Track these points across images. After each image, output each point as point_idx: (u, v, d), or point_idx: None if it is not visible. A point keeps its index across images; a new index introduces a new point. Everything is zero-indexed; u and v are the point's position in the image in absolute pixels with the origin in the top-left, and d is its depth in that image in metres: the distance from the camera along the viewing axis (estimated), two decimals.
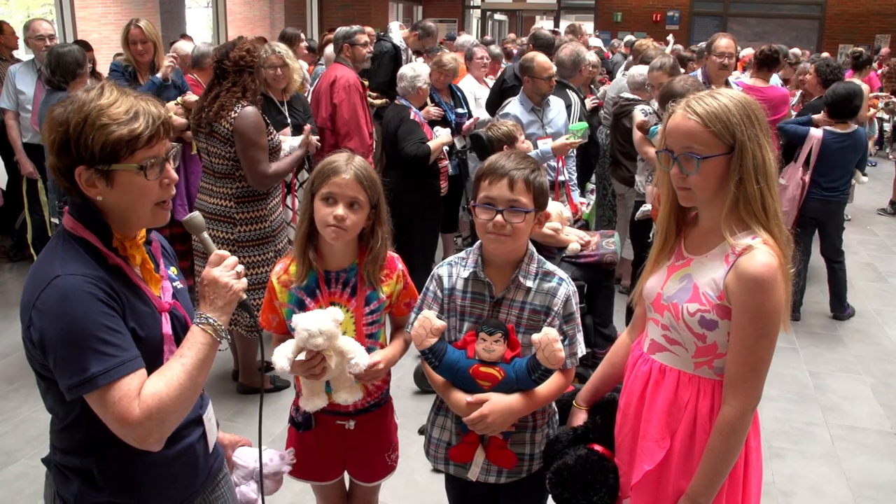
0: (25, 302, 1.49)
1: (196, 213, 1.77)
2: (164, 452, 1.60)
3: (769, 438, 3.87)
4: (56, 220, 4.33)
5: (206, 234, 1.77)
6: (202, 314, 1.62)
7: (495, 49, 8.07)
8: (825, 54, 12.33)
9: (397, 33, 6.54)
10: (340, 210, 2.07)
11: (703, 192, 1.74)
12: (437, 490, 2.46)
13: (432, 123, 5.48)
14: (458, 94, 6.15)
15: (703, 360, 1.80)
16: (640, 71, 5.49)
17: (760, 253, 1.66)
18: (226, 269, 1.65)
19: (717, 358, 1.78)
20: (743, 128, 1.68)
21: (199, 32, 12.88)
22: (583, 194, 6.11)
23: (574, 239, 4.04)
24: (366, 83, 6.03)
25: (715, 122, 1.68)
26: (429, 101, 5.72)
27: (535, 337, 1.92)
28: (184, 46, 6.17)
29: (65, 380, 1.45)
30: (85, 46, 5.23)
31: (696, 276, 1.79)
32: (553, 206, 4.13)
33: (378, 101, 6.16)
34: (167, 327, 1.65)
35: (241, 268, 1.68)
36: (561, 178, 4.87)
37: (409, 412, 3.99)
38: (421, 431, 3.61)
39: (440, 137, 5.15)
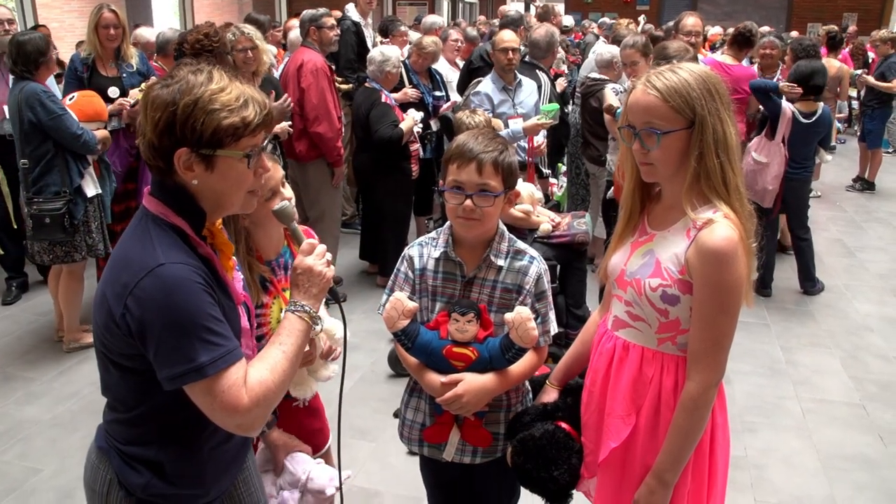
0: (119, 289, 1.43)
1: (286, 204, 1.77)
2: (227, 444, 1.66)
3: (742, 413, 3.92)
4: (26, 210, 4.25)
5: (295, 224, 1.77)
6: (297, 302, 1.62)
7: (472, 31, 8.03)
8: (794, 33, 12.43)
9: (354, 12, 6.54)
10: (287, 192, 2.10)
11: (665, 166, 1.73)
12: (414, 472, 2.46)
13: (408, 106, 5.46)
14: (437, 77, 6.13)
15: (665, 335, 1.80)
16: (607, 49, 5.50)
17: (720, 227, 1.66)
18: (318, 258, 1.66)
19: (679, 334, 1.78)
20: (703, 102, 1.67)
21: (166, 18, 12.66)
22: (555, 176, 6.14)
23: (545, 220, 4.06)
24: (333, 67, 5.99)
25: (675, 96, 1.67)
26: (407, 83, 5.70)
27: (508, 316, 1.92)
28: (145, 33, 6.07)
29: (168, 369, 1.42)
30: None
31: (658, 251, 1.78)
32: (524, 188, 4.13)
33: (345, 87, 6.12)
34: (245, 320, 1.66)
35: (329, 255, 1.69)
36: (531, 158, 4.88)
37: (385, 396, 3.99)
38: (396, 415, 3.61)
39: (407, 119, 5.14)
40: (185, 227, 1.50)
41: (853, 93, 10.21)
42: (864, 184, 8.83)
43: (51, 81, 4.94)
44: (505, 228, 2.10)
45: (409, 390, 2.23)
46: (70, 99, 4.37)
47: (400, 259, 2.15)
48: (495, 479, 2.21)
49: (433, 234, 2.15)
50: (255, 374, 1.50)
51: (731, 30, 6.16)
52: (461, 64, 6.63)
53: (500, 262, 2.04)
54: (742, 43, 5.86)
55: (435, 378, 2.00)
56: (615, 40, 5.93)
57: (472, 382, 1.97)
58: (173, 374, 1.42)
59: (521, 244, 2.11)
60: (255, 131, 1.49)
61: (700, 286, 1.69)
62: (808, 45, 6.09)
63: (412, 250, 2.14)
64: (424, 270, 2.09)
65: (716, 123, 1.68)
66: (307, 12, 5.22)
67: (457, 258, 2.05)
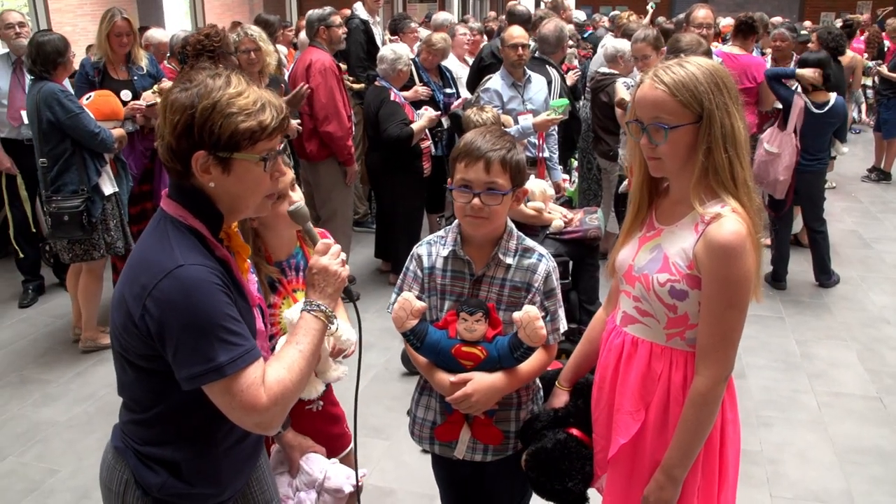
0: (138, 290, 1.45)
1: (301, 204, 1.80)
2: (242, 443, 1.69)
3: (757, 407, 3.90)
4: (45, 208, 4.31)
5: (310, 225, 1.79)
6: (313, 301, 1.64)
7: (475, 23, 8.04)
8: (807, 23, 12.31)
9: (362, 10, 6.55)
10: (296, 195, 2.10)
11: (673, 161, 1.72)
12: (428, 470, 2.47)
13: (420, 103, 5.46)
14: (447, 74, 6.12)
15: (674, 331, 1.79)
16: (613, 44, 5.48)
17: (729, 221, 1.65)
18: (333, 257, 1.68)
19: (688, 329, 1.77)
20: (711, 96, 1.66)
21: (178, 20, 12.72)
22: (567, 171, 6.12)
23: (557, 216, 4.05)
24: (343, 66, 5.99)
25: (682, 90, 1.66)
26: (417, 80, 5.70)
27: (517, 315, 1.92)
28: (157, 34, 6.11)
29: (187, 369, 1.44)
30: None
31: (666, 246, 1.78)
32: (537, 184, 4.13)
33: (357, 86, 6.13)
34: (259, 322, 1.68)
35: (344, 255, 1.71)
36: (542, 154, 4.87)
37: (399, 394, 3.99)
38: (409, 413, 3.62)
39: (423, 119, 5.13)
40: (202, 229, 1.52)
41: (867, 82, 10.11)
42: (880, 174, 8.74)
43: (66, 83, 5.00)
44: (514, 226, 2.10)
45: (420, 389, 2.23)
46: (87, 98, 4.42)
47: (409, 258, 2.15)
48: (507, 476, 2.21)
49: (441, 232, 2.15)
50: (272, 374, 1.52)
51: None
52: (470, 60, 6.62)
53: (509, 260, 2.04)
54: (746, 31, 5.81)
55: (444, 377, 2.00)
56: (624, 34, 5.91)
57: (482, 381, 1.97)
58: (192, 374, 1.44)
59: (529, 242, 2.10)
60: (271, 135, 1.51)
61: (708, 281, 1.68)
62: (837, 35, 6.02)
63: (421, 249, 2.14)
64: (433, 269, 2.09)
65: (724, 117, 1.67)
66: (314, 12, 5.23)
67: (465, 256, 2.05)
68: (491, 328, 2.01)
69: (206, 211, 1.53)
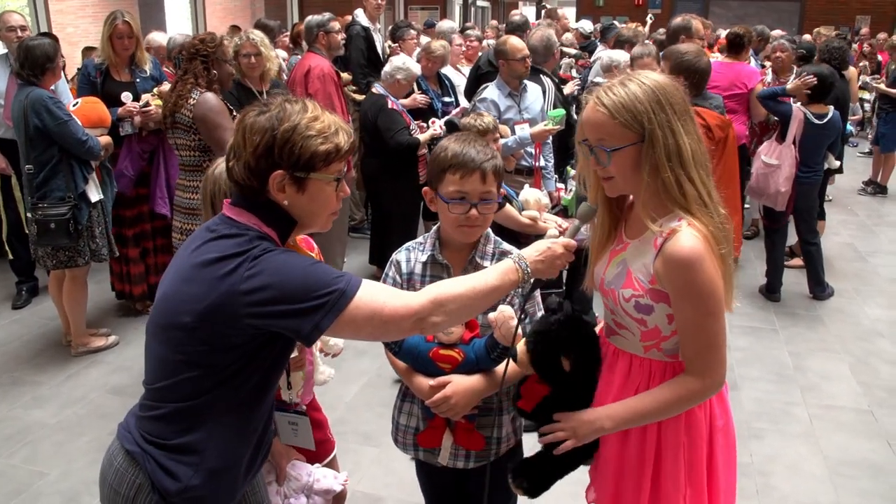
0: (228, 283, 1.48)
1: (592, 205, 1.84)
2: (259, 452, 1.76)
3: (749, 419, 3.89)
4: (30, 215, 4.28)
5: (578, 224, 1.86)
6: (524, 257, 1.71)
7: (473, 31, 8.07)
8: (806, 36, 12.35)
9: (363, 17, 6.57)
10: None
11: (625, 181, 1.71)
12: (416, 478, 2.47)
13: (419, 112, 5.46)
14: (447, 82, 6.13)
15: (650, 343, 1.78)
16: (608, 55, 5.51)
17: (684, 235, 1.64)
18: (565, 256, 1.74)
19: (662, 341, 1.77)
20: (651, 115, 1.63)
21: (180, 23, 12.75)
22: (562, 180, 6.13)
23: (552, 225, 4.05)
24: (348, 76, 6.00)
25: (622, 112, 1.64)
26: (415, 87, 5.71)
27: (491, 315, 1.92)
28: (158, 38, 6.13)
29: (314, 314, 1.49)
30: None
31: (630, 261, 1.77)
32: (532, 194, 4.13)
33: (360, 97, 6.15)
34: None
35: (567, 267, 1.77)
36: (538, 163, 4.88)
37: (390, 401, 3.89)
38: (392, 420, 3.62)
39: (428, 132, 5.16)
40: (273, 235, 1.59)
41: (865, 95, 10.14)
42: (877, 187, 8.75)
43: (64, 86, 5.00)
44: (490, 230, 2.12)
45: (402, 395, 2.24)
46: (74, 105, 4.41)
47: (388, 264, 2.17)
48: (491, 482, 2.20)
49: (420, 238, 2.17)
50: (437, 285, 1.62)
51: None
52: (465, 69, 6.63)
53: (486, 264, 2.04)
54: (736, 48, 5.87)
55: (423, 381, 2.01)
56: (617, 42, 5.93)
57: (460, 384, 1.97)
58: (322, 313, 1.49)
59: (506, 245, 2.12)
60: (342, 157, 1.62)
61: (678, 297, 1.68)
62: (834, 48, 6.03)
63: (399, 255, 2.16)
64: (412, 274, 2.11)
65: (667, 136, 1.64)
66: (313, 18, 5.25)
67: (444, 261, 2.07)
68: (468, 330, 2.02)
69: (280, 216, 1.61)
